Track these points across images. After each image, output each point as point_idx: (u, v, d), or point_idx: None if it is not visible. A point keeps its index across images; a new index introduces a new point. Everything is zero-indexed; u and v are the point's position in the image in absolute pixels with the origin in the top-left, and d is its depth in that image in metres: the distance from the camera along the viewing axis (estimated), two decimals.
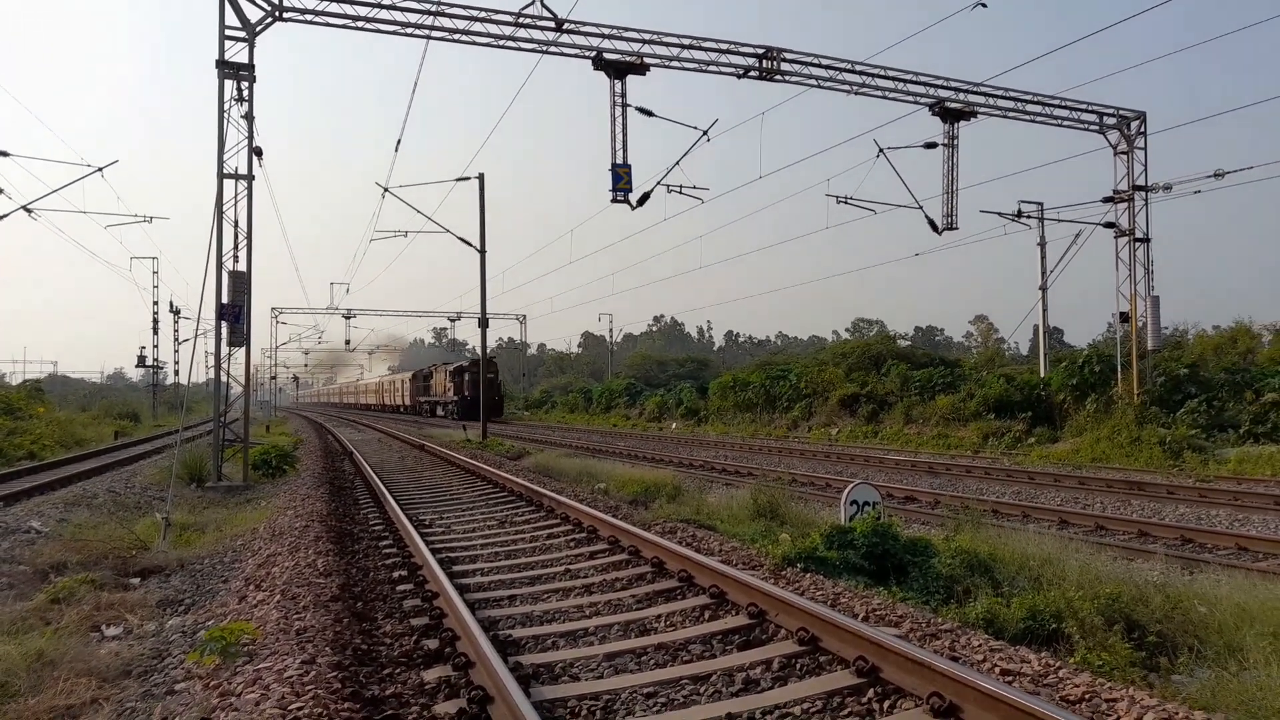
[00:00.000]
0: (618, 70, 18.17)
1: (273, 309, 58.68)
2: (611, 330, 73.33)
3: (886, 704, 4.03)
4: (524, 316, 63.06)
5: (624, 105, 18.37)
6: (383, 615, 5.98)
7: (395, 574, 7.21)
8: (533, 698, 4.20)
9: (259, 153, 16.50)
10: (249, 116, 16.09)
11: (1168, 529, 9.89)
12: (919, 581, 6.62)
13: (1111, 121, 25.49)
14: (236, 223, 16.09)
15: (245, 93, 16.05)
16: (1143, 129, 25.41)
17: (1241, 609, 5.26)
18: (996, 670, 4.22)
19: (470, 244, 25.89)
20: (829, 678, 4.40)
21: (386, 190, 23.99)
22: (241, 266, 16.00)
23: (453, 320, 60.58)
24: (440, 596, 6.08)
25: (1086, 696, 3.80)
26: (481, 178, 25.36)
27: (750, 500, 10.12)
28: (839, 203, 24.77)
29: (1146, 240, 24.79)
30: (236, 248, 16.02)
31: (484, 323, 26.87)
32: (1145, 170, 25.04)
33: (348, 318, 53.43)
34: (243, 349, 16.08)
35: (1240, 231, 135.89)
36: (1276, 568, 7.95)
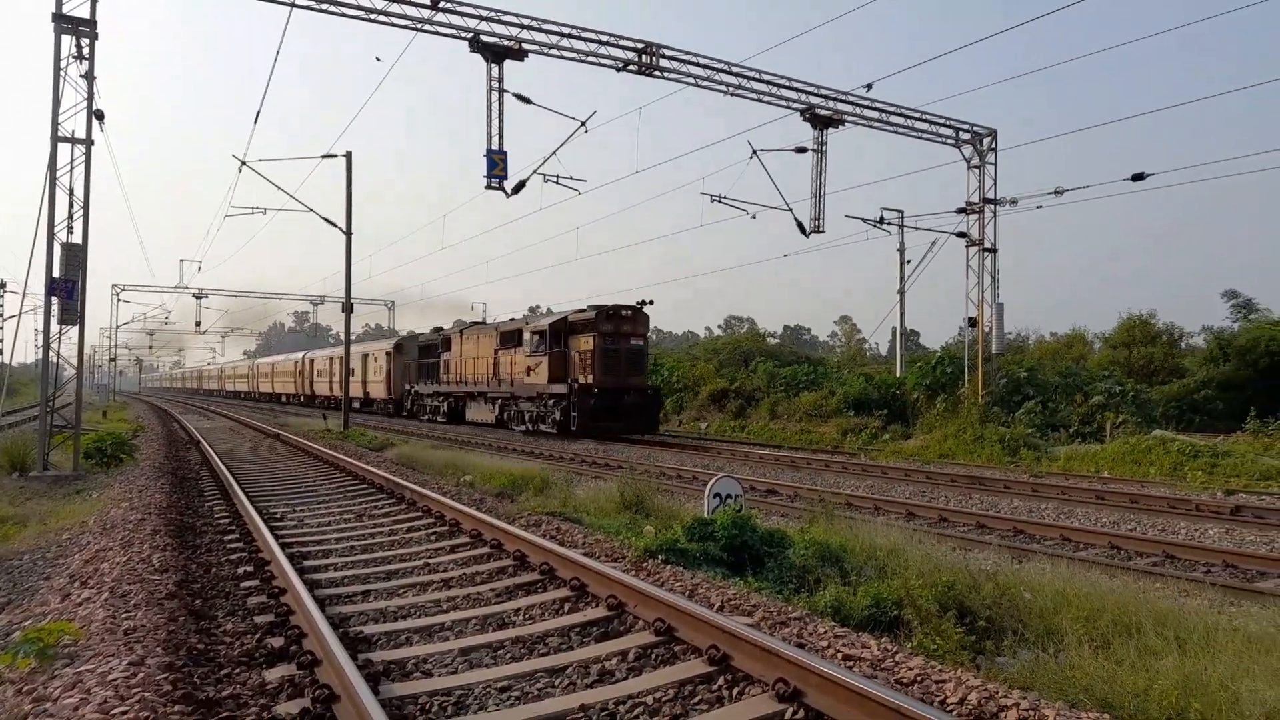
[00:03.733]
0: (495, 54, 17.88)
1: (114, 286, 54.50)
2: (485, 318, 72.03)
3: (735, 690, 4.13)
4: (392, 302, 61.04)
5: (501, 91, 18.10)
6: (224, 613, 5.66)
7: (240, 570, 6.84)
8: (381, 695, 4.07)
9: (100, 116, 15.28)
10: (89, 76, 14.87)
11: (1002, 521, 10.60)
12: (774, 572, 6.83)
13: (966, 137, 27.08)
14: (72, 191, 14.86)
15: (86, 50, 14.82)
16: (994, 145, 27.12)
17: (1060, 595, 5.68)
18: (839, 656, 4.40)
19: (335, 225, 24.87)
20: (682, 666, 4.47)
21: (244, 164, 22.69)
22: (76, 238, 14.78)
23: (316, 304, 57.94)
24: (288, 593, 5.82)
25: (919, 679, 4.02)
26: (349, 156, 24.42)
27: (617, 493, 10.17)
28: (713, 201, 25.28)
29: (994, 250, 26.49)
30: (71, 218, 14.80)
31: (349, 307, 25.89)
32: (995, 184, 26.77)
33: (198, 298, 50.26)
34: (75, 328, 14.87)
35: (1079, 245, 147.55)
36: (1094, 556, 8.66)
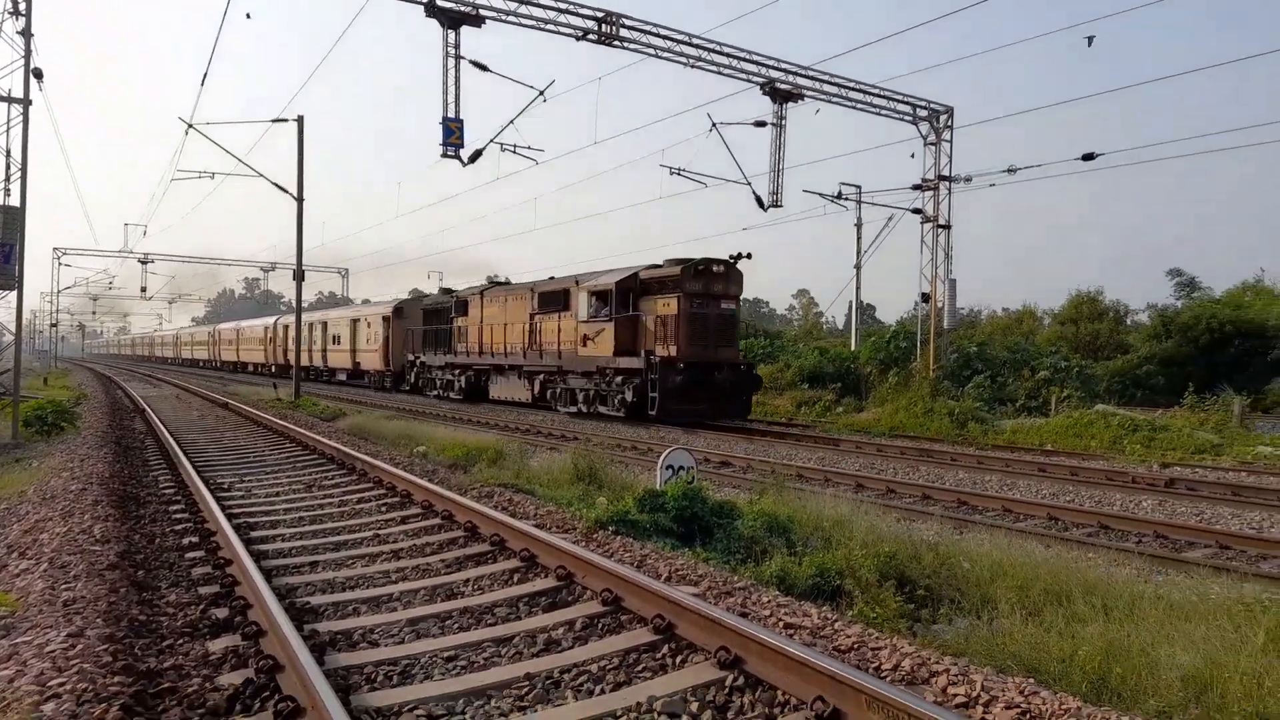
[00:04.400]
0: (451, 20, 17.54)
1: (55, 249, 52.82)
2: (440, 288, 71.25)
3: (679, 659, 4.21)
4: (346, 270, 60.08)
5: (458, 57, 17.78)
6: (167, 585, 5.60)
7: (185, 540, 6.76)
8: (326, 665, 4.08)
9: (38, 75, 14.73)
10: (26, 33, 14.28)
11: (947, 492, 10.85)
12: (723, 542, 6.93)
13: (923, 114, 27.29)
14: (9, 152, 14.33)
15: (22, 6, 14.22)
16: (950, 123, 27.37)
17: (997, 565, 5.86)
18: (781, 624, 4.50)
19: (287, 191, 24.34)
20: (628, 635, 4.54)
21: (191, 126, 22.07)
22: (15, 201, 14.28)
23: (267, 271, 56.77)
24: (233, 564, 5.77)
25: (856, 646, 4.14)
26: (301, 120, 23.84)
27: (571, 465, 10.21)
28: (672, 174, 25.22)
29: (948, 227, 26.85)
30: (8, 180, 14.29)
31: (300, 275, 25.42)
32: (950, 161, 27.06)
33: (144, 263, 48.94)
34: (14, 292, 14.41)
35: (1034, 223, 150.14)
36: (1032, 527, 8.93)
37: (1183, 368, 28.09)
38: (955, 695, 3.53)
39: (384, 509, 8.15)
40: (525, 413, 23.47)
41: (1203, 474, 13.55)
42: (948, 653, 4.18)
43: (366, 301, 48.00)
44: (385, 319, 35.03)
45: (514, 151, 19.64)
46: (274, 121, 23.72)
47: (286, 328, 47.20)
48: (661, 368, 19.12)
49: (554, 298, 23.57)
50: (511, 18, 18.96)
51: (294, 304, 28.49)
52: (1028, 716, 3.29)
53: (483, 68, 18.17)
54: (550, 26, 19.72)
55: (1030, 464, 14.21)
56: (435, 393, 30.37)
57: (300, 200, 24.47)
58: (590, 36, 20.19)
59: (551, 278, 25.03)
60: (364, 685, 4.01)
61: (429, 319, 32.02)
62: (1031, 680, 3.70)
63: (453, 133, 17.82)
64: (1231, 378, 26.30)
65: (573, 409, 22.64)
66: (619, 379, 20.66)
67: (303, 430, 14.11)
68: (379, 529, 7.29)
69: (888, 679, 3.74)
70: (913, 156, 27.39)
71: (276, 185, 24.46)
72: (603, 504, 7.75)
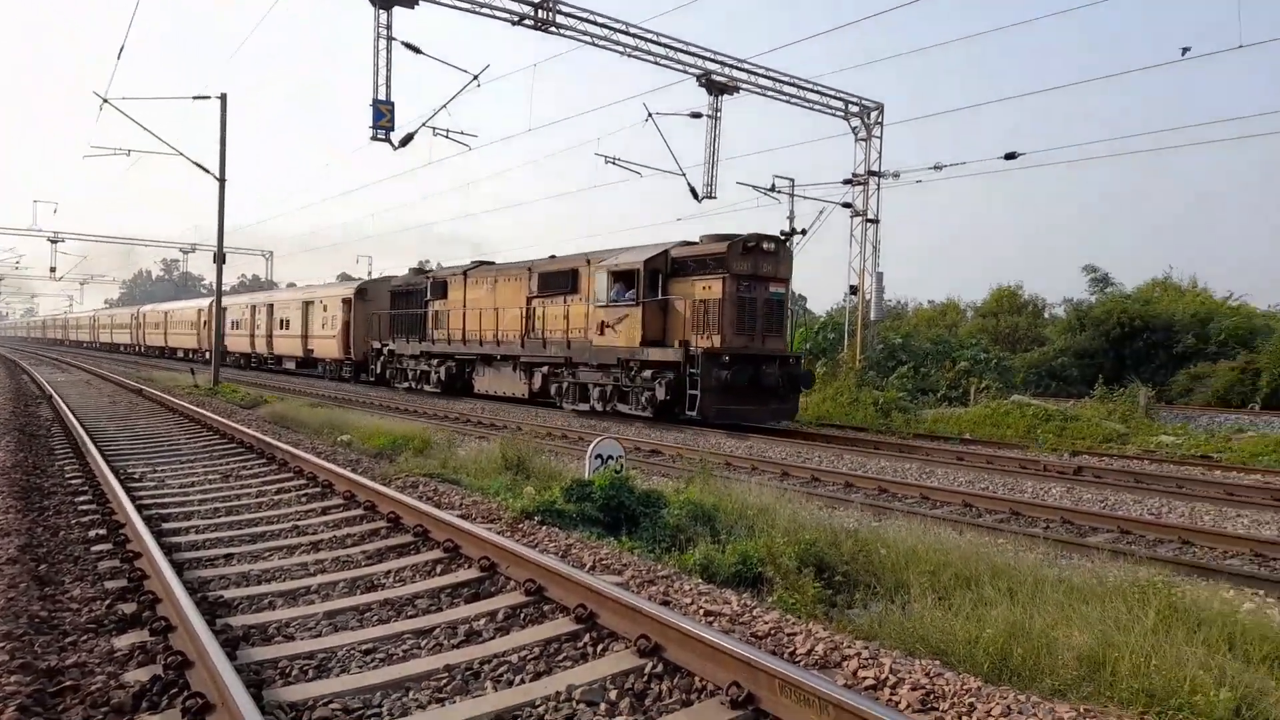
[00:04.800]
0: (383, 0, 17.13)
1: None
2: (370, 273, 69.92)
3: (600, 647, 4.25)
4: (270, 253, 58.36)
5: (389, 39, 17.44)
6: (72, 579, 5.39)
7: (92, 533, 6.50)
8: (239, 660, 3.99)
9: None
10: None
11: (869, 480, 11.14)
12: (649, 531, 6.99)
13: (855, 109, 27.78)
14: None
15: None
16: (880, 119, 27.94)
17: (911, 550, 6.05)
18: (701, 612, 4.58)
19: (208, 170, 23.51)
20: (550, 625, 4.56)
21: (106, 101, 21.12)
22: None
23: (187, 252, 54.78)
24: (143, 557, 5.58)
25: (772, 631, 4.23)
26: (224, 98, 23.02)
27: (499, 454, 10.15)
28: (607, 163, 25.20)
29: (876, 221, 27.45)
30: None
31: (220, 257, 24.61)
32: (880, 157, 27.64)
33: (54, 241, 46.72)
34: None
35: (960, 219, 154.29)
36: (948, 514, 9.24)
37: (1094, 360, 29.37)
38: (865, 678, 3.65)
39: (304, 500, 7.97)
40: (517, 411, 20.80)
41: (1109, 462, 14.19)
42: (860, 637, 4.31)
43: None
44: (346, 301, 31.57)
45: (446, 136, 19.35)
46: (196, 98, 22.85)
47: (224, 310, 44.03)
48: (706, 362, 16.63)
49: (559, 279, 21.06)
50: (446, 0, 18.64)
51: (215, 286, 27.56)
52: (932, 697, 3.42)
53: (415, 50, 17.85)
54: (485, 10, 19.47)
55: (949, 452, 14.67)
56: (407, 385, 27.41)
57: (222, 181, 23.66)
58: (526, 22, 20.01)
59: (553, 256, 22.51)
60: (278, 680, 3.93)
61: (398, 302, 28.70)
62: (938, 662, 3.85)
63: (383, 115, 17.49)
64: (1139, 370, 27.62)
65: (583, 406, 19.94)
66: (647, 373, 17.99)
67: (221, 418, 13.69)
68: (298, 520, 7.14)
69: (801, 663, 3.84)
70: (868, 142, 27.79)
71: (197, 164, 23.60)
72: (530, 494, 7.73)
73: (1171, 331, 29.75)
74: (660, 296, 18.08)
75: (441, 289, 25.81)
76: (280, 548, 6.31)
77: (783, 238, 18.37)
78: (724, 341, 16.90)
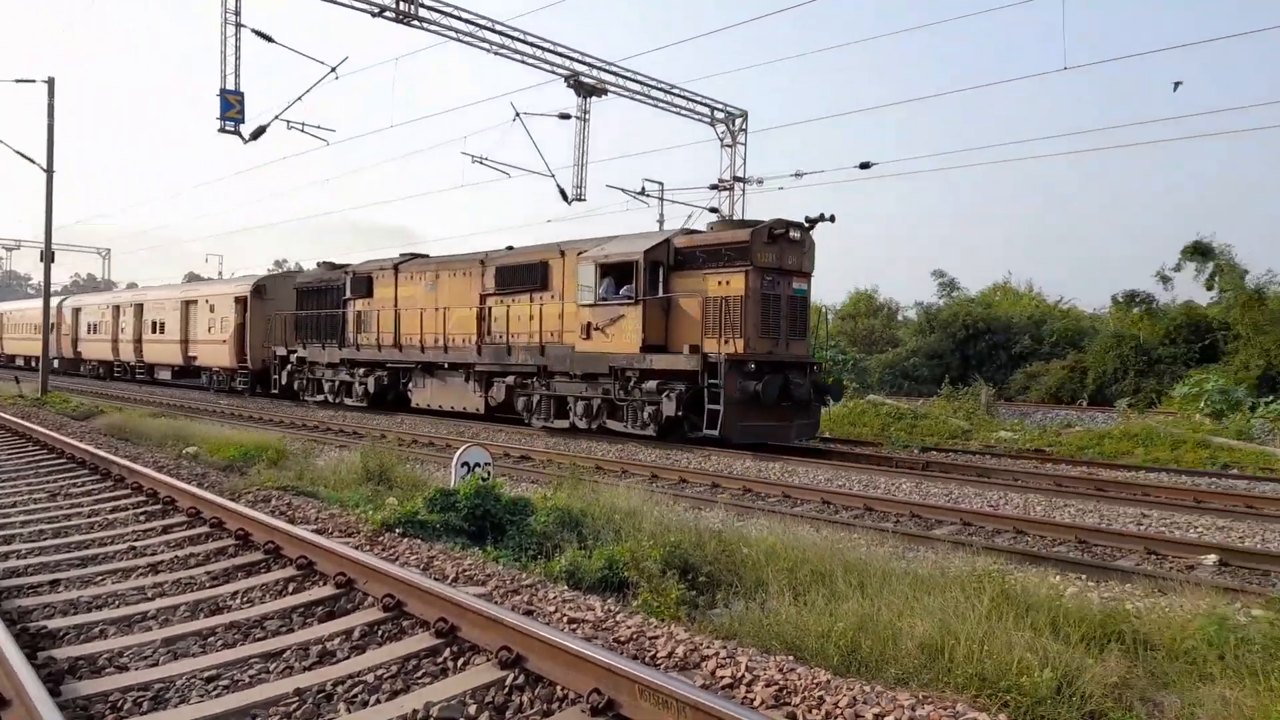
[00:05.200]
0: None
1: None
2: (220, 272, 66.21)
3: (460, 661, 4.17)
4: (108, 250, 54.31)
5: (238, 25, 16.54)
6: None
7: None
8: (63, 695, 3.70)
9: None
10: None
11: (735, 480, 11.43)
12: (515, 539, 6.92)
13: (721, 116, 28.50)
14: None
15: None
16: (744, 126, 28.77)
17: (771, 549, 6.24)
18: (565, 620, 4.57)
19: (33, 161, 21.64)
20: (409, 641, 4.43)
21: None
22: None
23: (10, 249, 50.17)
24: None
25: (635, 636, 4.27)
26: (51, 82, 21.24)
27: (360, 464, 9.81)
28: (474, 162, 24.85)
29: None
30: None
31: (49, 255, 22.69)
32: (745, 163, 28.46)
33: None
34: None
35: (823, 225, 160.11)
36: (807, 511, 9.59)
37: (943, 360, 31.22)
38: (723, 677, 3.74)
39: (143, 518, 7.44)
40: (469, 429, 18.26)
41: (954, 458, 15.12)
42: (720, 636, 4.42)
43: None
44: (240, 300, 27.55)
45: (302, 130, 18.56)
46: (18, 81, 20.99)
47: (78, 312, 38.62)
48: (729, 371, 14.24)
49: (524, 274, 18.35)
50: None
51: (43, 286, 25.35)
52: (785, 692, 3.54)
53: (267, 38, 17.02)
54: (344, 1, 18.77)
55: (808, 450, 15.23)
56: (322, 398, 24.02)
57: (50, 172, 21.82)
58: (387, 14, 19.45)
59: (510, 248, 19.67)
60: (108, 714, 3.66)
61: (307, 301, 25.05)
62: (791, 658, 3.99)
63: (232, 106, 16.59)
64: (982, 369, 29.57)
65: (560, 424, 17.36)
66: (650, 385, 15.34)
67: (49, 431, 12.61)
68: (135, 541, 6.66)
69: (662, 666, 3.90)
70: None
71: (20, 154, 21.69)
72: (392, 505, 7.51)
73: (1010, 333, 32.04)
74: (663, 294, 15.68)
75: (365, 285, 22.63)
76: (115, 571, 5.87)
77: (808, 224, 15.42)
78: (747, 346, 14.55)
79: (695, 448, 14.72)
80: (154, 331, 33.00)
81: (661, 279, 15.73)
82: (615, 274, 16.13)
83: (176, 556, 6.18)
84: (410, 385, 21.21)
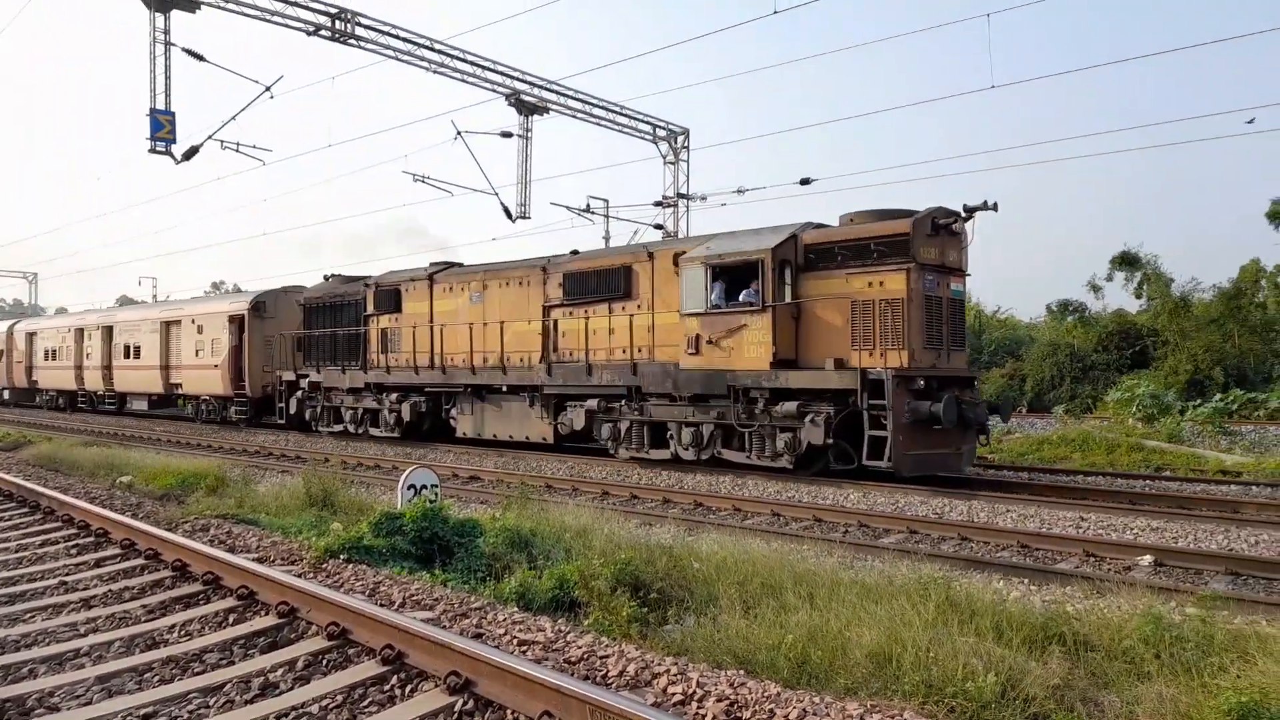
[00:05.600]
0: (160, 2, 15.91)
1: None
2: (155, 295, 64.35)
3: (408, 688, 4.09)
4: (35, 275, 52.48)
5: (168, 44, 16.20)
6: None
7: None
8: None
9: None
10: None
11: (686, 495, 11.45)
12: (464, 562, 6.83)
13: (663, 134, 28.76)
14: None
15: None
16: (687, 143, 29.07)
17: (722, 563, 6.27)
18: (515, 642, 4.52)
19: None
20: (354, 670, 4.34)
21: None
22: None
23: None
24: None
25: (585, 656, 4.24)
26: None
27: (303, 489, 9.60)
28: (416, 180, 24.65)
29: None
30: None
31: None
32: (688, 180, 28.73)
33: None
34: None
35: None
36: (757, 524, 9.65)
37: None
38: (674, 694, 3.73)
39: (74, 552, 7.17)
40: (529, 459, 16.01)
41: None
42: (671, 653, 4.41)
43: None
44: (235, 320, 24.82)
45: (236, 150, 18.21)
46: None
47: (31, 337, 35.62)
48: (899, 388, 11.82)
49: (601, 281, 15.83)
50: (233, 5, 17.59)
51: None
52: (736, 706, 3.55)
53: (198, 57, 16.69)
54: (277, 19, 18.54)
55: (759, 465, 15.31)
56: (340, 428, 21.11)
57: None
58: (323, 33, 19.23)
59: (576, 252, 17.25)
60: None
61: (317, 319, 22.18)
62: (742, 672, 4.00)
63: (162, 126, 16.19)
64: None
65: (659, 454, 14.79)
66: (788, 406, 12.79)
67: None
68: (66, 575, 6.41)
69: (613, 685, 3.87)
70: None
71: None
72: (336, 530, 7.36)
73: None
74: (792, 299, 13.34)
75: (392, 300, 19.80)
76: (44, 607, 5.63)
77: (967, 214, 12.80)
78: (913, 359, 12.17)
79: (848, 482, 12.35)
80: (129, 357, 29.98)
81: (791, 279, 13.32)
82: (728, 277, 13.75)
83: (110, 590, 5.96)
84: (454, 412, 18.50)
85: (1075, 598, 6.22)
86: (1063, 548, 8.21)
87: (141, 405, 30.31)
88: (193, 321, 26.97)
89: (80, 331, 32.71)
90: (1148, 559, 7.64)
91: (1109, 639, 4.75)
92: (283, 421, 23.29)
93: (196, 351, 26.48)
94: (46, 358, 34.84)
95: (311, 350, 22.37)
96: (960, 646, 4.26)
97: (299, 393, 22.43)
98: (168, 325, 28.09)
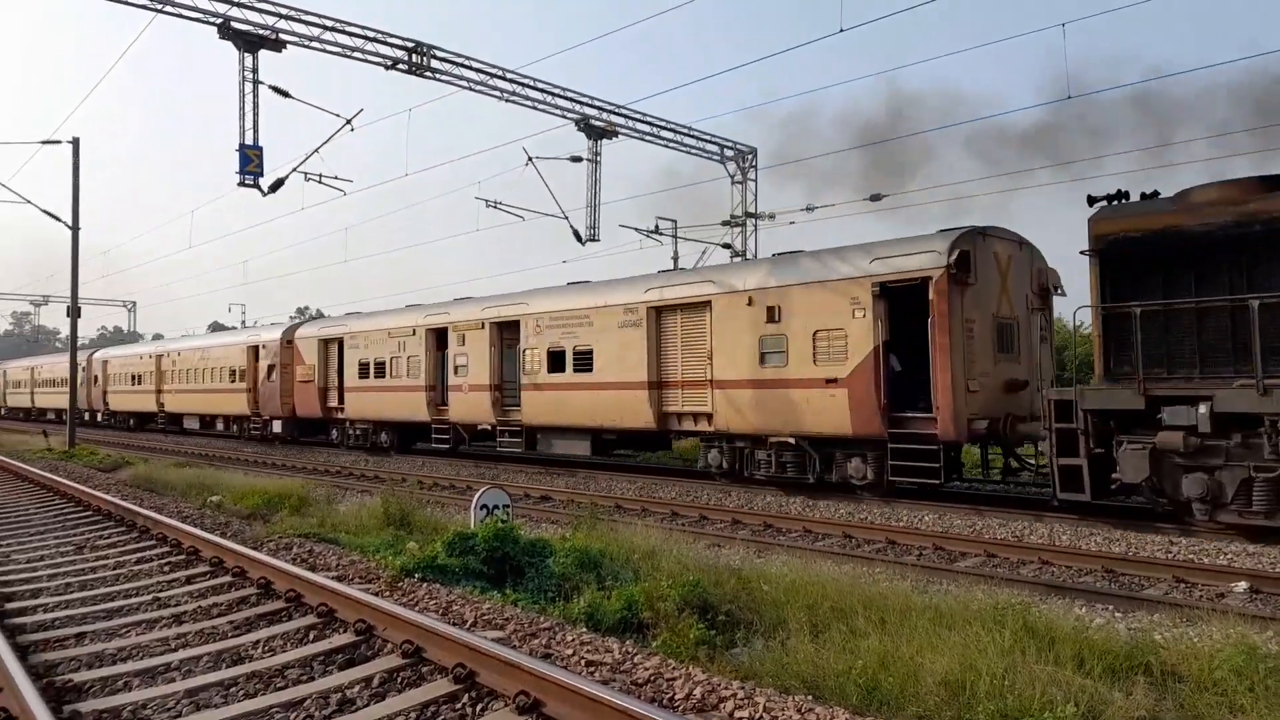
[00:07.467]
0: (248, 43, 16.73)
1: None
2: (244, 321, 67.02)
3: (479, 707, 4.17)
4: (133, 304, 55.27)
5: (255, 82, 16.97)
6: None
7: None
8: None
9: None
10: None
11: (755, 516, 11.37)
12: (534, 582, 6.91)
13: (730, 154, 28.75)
14: None
15: None
16: (754, 162, 29.00)
17: (792, 585, 6.21)
18: (583, 662, 4.56)
19: (59, 219, 22.17)
20: (428, 688, 4.44)
21: None
22: None
23: (38, 305, 51.21)
24: None
25: (652, 678, 4.26)
26: (76, 143, 21.85)
27: (381, 509, 9.86)
28: (489, 207, 25.20)
29: None
30: None
31: (75, 310, 23.15)
32: (755, 199, 28.64)
33: None
34: None
35: None
36: (828, 546, 9.52)
37: None
38: (740, 718, 3.72)
39: (167, 569, 7.52)
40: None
41: (977, 487, 14.93)
42: (738, 676, 4.39)
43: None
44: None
45: (319, 181, 18.93)
46: (44, 143, 21.62)
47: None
48: None
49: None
50: (316, 43, 18.34)
51: (70, 340, 25.80)
52: None
53: (284, 94, 17.43)
54: (358, 55, 19.25)
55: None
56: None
57: (75, 229, 22.35)
58: (400, 66, 19.87)
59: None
60: None
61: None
62: (810, 697, 3.96)
63: (250, 160, 16.94)
64: None
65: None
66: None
67: (75, 484, 12.79)
68: (159, 592, 6.72)
69: (679, 708, 3.88)
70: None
71: (47, 213, 22.24)
72: (412, 549, 7.54)
73: None
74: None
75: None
76: (139, 623, 5.92)
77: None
78: None
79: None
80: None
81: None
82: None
83: (200, 607, 6.23)
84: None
85: (1163, 625, 5.96)
86: (1151, 573, 7.88)
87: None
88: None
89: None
90: (1243, 585, 7.26)
91: (1198, 670, 4.55)
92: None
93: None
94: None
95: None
96: (1038, 675, 4.14)
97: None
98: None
